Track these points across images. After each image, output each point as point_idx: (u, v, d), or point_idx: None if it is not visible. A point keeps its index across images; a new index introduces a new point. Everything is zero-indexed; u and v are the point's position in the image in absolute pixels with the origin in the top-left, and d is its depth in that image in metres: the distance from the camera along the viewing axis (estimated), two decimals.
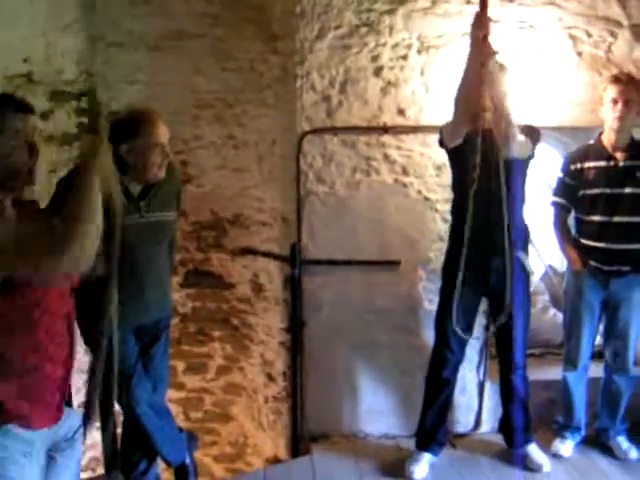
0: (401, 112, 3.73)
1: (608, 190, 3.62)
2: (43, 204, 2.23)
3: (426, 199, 3.78)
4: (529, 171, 3.53)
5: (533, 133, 3.45)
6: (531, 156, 3.48)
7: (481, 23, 3.09)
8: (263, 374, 4.20)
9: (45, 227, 1.98)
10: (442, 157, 3.64)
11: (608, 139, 3.65)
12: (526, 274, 3.58)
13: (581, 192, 3.68)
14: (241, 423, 4.39)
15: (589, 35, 3.83)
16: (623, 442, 3.89)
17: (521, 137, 3.34)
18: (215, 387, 4.36)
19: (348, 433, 4.02)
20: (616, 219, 3.61)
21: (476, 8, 3.07)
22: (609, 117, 3.58)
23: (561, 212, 3.80)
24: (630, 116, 3.56)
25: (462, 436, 4.06)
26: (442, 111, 3.69)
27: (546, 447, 3.83)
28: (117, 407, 3.26)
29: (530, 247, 3.65)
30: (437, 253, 3.75)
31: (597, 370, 3.92)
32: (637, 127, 3.70)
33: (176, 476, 3.50)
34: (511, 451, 3.79)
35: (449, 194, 3.64)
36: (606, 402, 3.91)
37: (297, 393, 3.96)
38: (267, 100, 3.92)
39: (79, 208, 1.96)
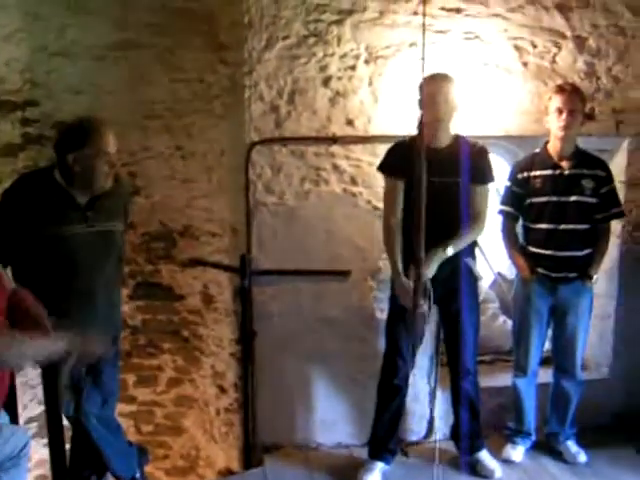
0: (350, 122, 3.74)
1: (554, 198, 3.68)
2: None
3: (375, 208, 3.78)
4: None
5: (487, 165, 3.54)
6: (491, 181, 3.56)
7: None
8: (214, 386, 4.16)
9: None
10: None
11: (554, 148, 3.71)
12: (474, 280, 3.62)
13: (528, 200, 3.74)
14: (193, 435, 4.34)
15: (534, 46, 3.90)
16: (572, 446, 3.95)
17: (480, 192, 3.46)
18: (166, 400, 4.30)
19: (301, 443, 4.00)
20: (563, 227, 3.68)
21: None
22: (554, 126, 3.65)
23: (509, 220, 3.85)
24: (575, 125, 3.64)
25: (414, 444, 4.09)
26: (390, 121, 3.74)
27: (497, 453, 3.88)
28: (66, 422, 3.23)
29: (478, 254, 3.69)
30: (386, 262, 3.72)
31: (546, 376, 3.99)
32: (581, 136, 3.79)
33: None
34: (464, 458, 3.80)
35: None
36: (555, 407, 3.97)
37: (249, 404, 3.93)
38: (216, 111, 3.89)
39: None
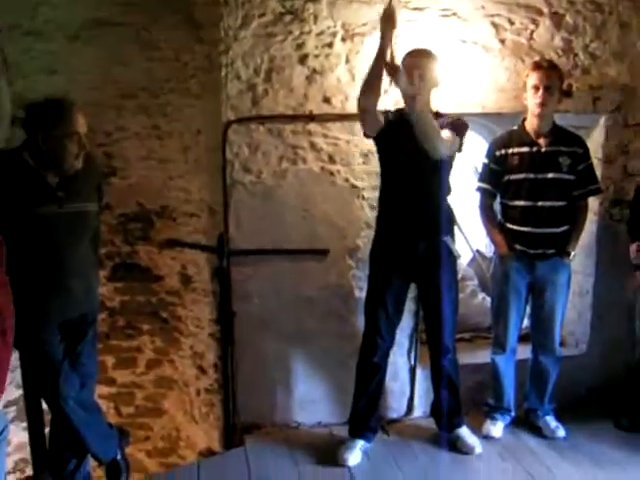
0: (327, 100, 3.72)
1: (532, 175, 3.69)
2: None
3: (353, 187, 3.78)
4: (455, 161, 3.56)
5: (460, 126, 3.47)
6: (458, 150, 3.51)
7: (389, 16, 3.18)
8: (194, 366, 4.15)
9: None
10: (368, 144, 3.67)
11: (531, 125, 3.72)
12: (452, 257, 3.62)
13: (506, 177, 3.75)
14: (173, 417, 4.34)
15: (511, 23, 3.89)
16: (551, 421, 4.00)
17: (446, 134, 3.35)
18: (146, 381, 4.28)
19: (281, 423, 4.01)
20: (540, 204, 3.69)
21: None
22: (532, 103, 3.65)
23: (487, 197, 3.86)
24: (552, 102, 3.64)
25: (395, 422, 4.11)
26: None
27: (477, 429, 3.91)
28: (45, 406, 3.22)
29: (456, 232, 3.69)
30: (365, 240, 3.76)
31: (525, 352, 4.02)
32: (559, 113, 3.79)
33: (107, 473, 3.45)
34: (444, 435, 3.84)
35: (376, 181, 3.66)
36: (534, 383, 4.01)
37: (228, 384, 3.93)
38: (192, 90, 3.84)
39: None
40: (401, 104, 3.46)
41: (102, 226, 3.80)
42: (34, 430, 3.42)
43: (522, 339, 4.00)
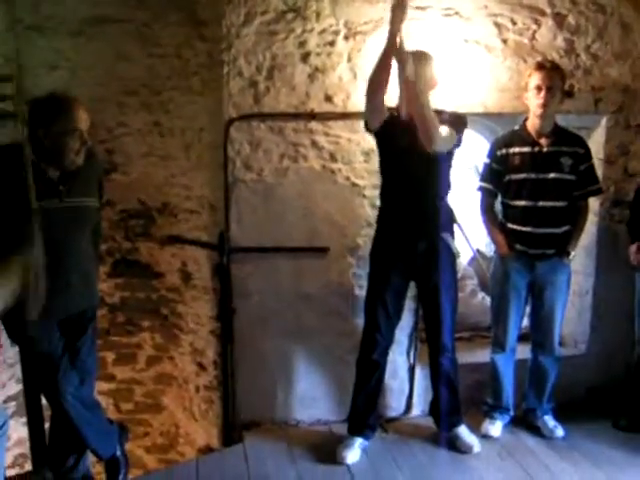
0: (328, 98, 3.72)
1: (533, 175, 3.69)
2: None
3: (354, 185, 3.79)
4: (454, 158, 3.56)
5: (458, 122, 3.47)
6: (457, 145, 3.51)
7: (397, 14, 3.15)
8: (194, 363, 4.16)
9: None
10: (370, 143, 3.67)
11: (532, 125, 3.72)
12: (452, 256, 3.63)
13: (507, 177, 3.75)
14: (172, 413, 4.34)
15: (514, 23, 3.89)
16: (550, 421, 4.00)
17: (445, 130, 3.35)
18: (145, 377, 4.29)
19: (280, 420, 4.02)
20: (541, 204, 3.69)
21: None
22: (534, 103, 3.65)
23: (488, 197, 3.87)
24: (554, 103, 3.64)
25: (394, 420, 4.11)
26: None
27: (476, 428, 3.92)
28: (45, 401, 3.22)
29: (456, 230, 3.69)
30: (366, 239, 3.77)
31: (524, 352, 4.02)
32: (560, 113, 3.80)
33: (107, 469, 3.45)
34: (442, 434, 3.84)
35: (377, 180, 3.66)
36: (533, 383, 4.01)
37: (228, 381, 3.94)
38: (194, 87, 3.84)
39: None
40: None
41: (103, 222, 3.80)
42: (34, 425, 3.42)
43: (521, 339, 4.00)
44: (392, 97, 3.45)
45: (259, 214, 3.78)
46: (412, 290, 3.74)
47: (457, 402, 3.80)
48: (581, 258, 4.16)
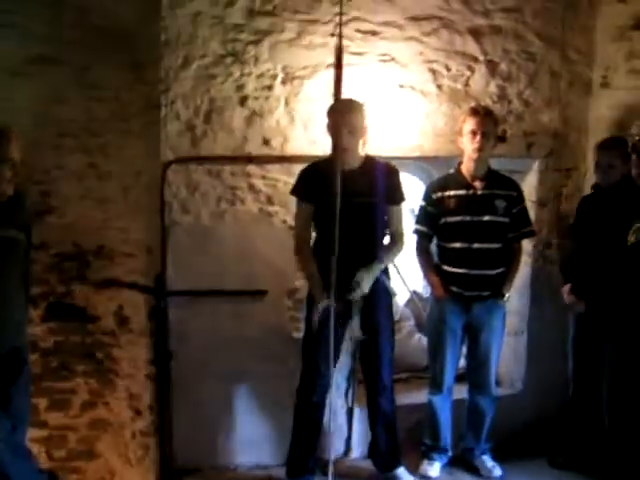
0: (266, 142, 3.74)
1: (468, 218, 3.77)
2: None
3: (291, 228, 3.77)
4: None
5: (397, 184, 3.59)
6: (402, 200, 3.61)
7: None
8: (130, 408, 4.06)
9: None
10: None
11: (467, 169, 3.80)
12: (389, 298, 3.66)
13: (442, 220, 3.82)
14: (107, 460, 4.22)
15: (448, 69, 4.00)
16: (487, 461, 4.03)
17: (395, 219, 3.55)
18: (79, 424, 4.16)
19: (219, 465, 3.95)
20: (476, 246, 3.76)
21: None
22: (468, 148, 3.74)
23: (423, 239, 3.92)
24: (488, 147, 3.74)
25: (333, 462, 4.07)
26: (307, 141, 3.76)
27: (414, 469, 3.92)
28: None
29: (393, 272, 3.73)
30: (303, 282, 3.76)
31: (461, 392, 4.05)
32: (494, 157, 3.89)
33: None
34: (382, 475, 3.84)
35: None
36: (470, 423, 4.04)
37: (165, 426, 3.87)
38: (132, 129, 3.82)
39: None
40: None
41: (37, 265, 3.73)
42: None
43: (458, 379, 4.03)
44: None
45: (196, 257, 3.75)
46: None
47: (396, 443, 3.80)
48: (515, 299, 4.24)
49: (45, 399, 4.10)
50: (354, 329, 3.48)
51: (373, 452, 3.88)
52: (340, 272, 3.29)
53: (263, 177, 3.77)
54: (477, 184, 3.78)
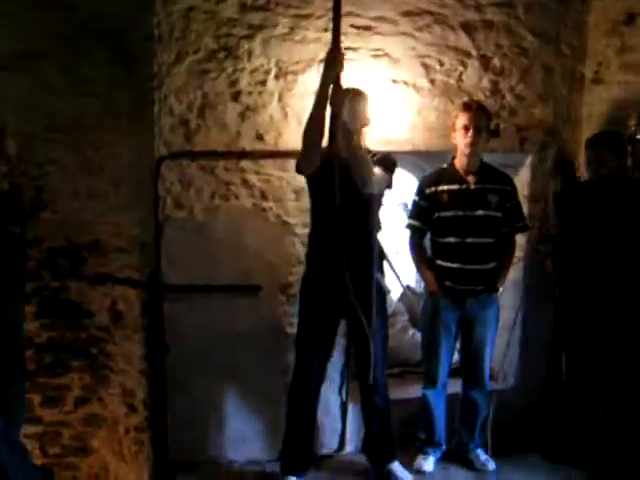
0: (260, 137, 3.75)
1: (461, 212, 3.77)
2: None
3: (285, 223, 3.80)
4: (385, 198, 3.62)
5: (389, 163, 3.53)
6: (388, 186, 3.57)
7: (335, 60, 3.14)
8: (124, 404, 4.06)
9: None
10: (300, 181, 3.69)
11: (460, 163, 3.81)
12: (382, 294, 3.67)
13: (435, 214, 3.82)
14: (102, 456, 4.22)
15: (441, 64, 4.00)
16: (481, 455, 4.05)
17: (377, 171, 3.41)
18: (74, 420, 4.16)
19: (213, 460, 3.96)
20: (469, 240, 3.77)
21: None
22: (461, 143, 3.75)
23: (417, 234, 3.93)
24: (481, 142, 3.75)
25: (327, 458, 4.09)
26: (300, 136, 3.75)
27: (409, 464, 3.92)
28: None
29: (386, 267, 3.73)
30: (297, 277, 3.77)
31: (455, 386, 4.06)
32: (487, 152, 3.90)
33: None
34: (376, 470, 3.84)
35: (308, 218, 3.67)
36: (464, 417, 4.06)
37: (159, 422, 3.87)
38: (124, 125, 3.81)
39: None
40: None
41: (30, 261, 3.73)
42: None
43: (452, 373, 4.04)
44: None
45: (190, 252, 3.75)
46: (342, 327, 3.76)
47: (390, 438, 3.80)
48: (509, 293, 4.26)
49: (39, 395, 4.10)
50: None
51: (367, 447, 3.88)
52: (334, 259, 3.30)
53: (257, 172, 3.77)
54: (470, 179, 3.78)
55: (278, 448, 3.81)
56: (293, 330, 3.75)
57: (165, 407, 3.86)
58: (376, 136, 3.79)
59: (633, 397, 3.82)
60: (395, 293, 4.34)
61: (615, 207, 3.76)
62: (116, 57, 3.79)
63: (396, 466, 3.82)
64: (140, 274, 3.86)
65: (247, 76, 3.71)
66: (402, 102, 3.93)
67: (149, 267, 3.76)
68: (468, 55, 4.03)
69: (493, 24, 4.04)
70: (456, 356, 4.10)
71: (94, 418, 4.18)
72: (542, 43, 4.15)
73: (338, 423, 4.12)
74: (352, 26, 3.79)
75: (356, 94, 3.45)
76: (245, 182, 3.77)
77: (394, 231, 4.21)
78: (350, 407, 4.10)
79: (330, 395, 4.02)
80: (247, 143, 3.74)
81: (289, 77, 3.75)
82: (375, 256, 3.56)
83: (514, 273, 4.19)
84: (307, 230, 3.67)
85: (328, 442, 4.12)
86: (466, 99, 3.93)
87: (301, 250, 3.81)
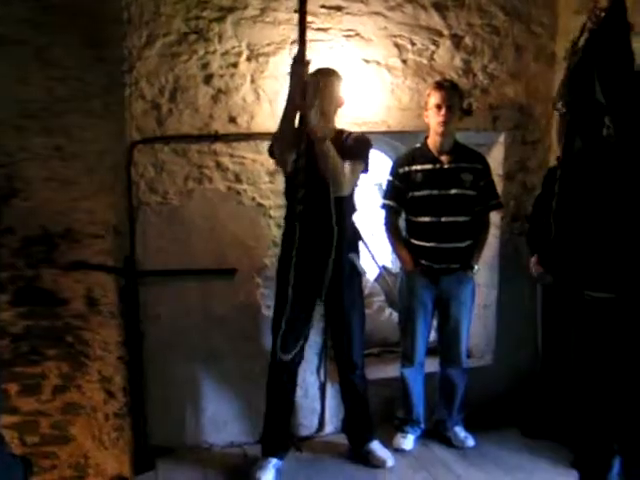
0: (232, 120, 3.73)
1: (435, 192, 3.79)
2: None
3: (260, 205, 3.80)
4: (359, 179, 3.62)
5: (363, 147, 3.54)
6: (364, 171, 3.57)
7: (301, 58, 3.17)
8: (102, 391, 4.03)
9: None
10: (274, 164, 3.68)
11: (433, 143, 3.82)
12: (358, 274, 3.68)
13: (410, 194, 3.83)
14: (81, 443, 4.19)
15: (413, 44, 4.00)
16: (460, 432, 4.09)
17: (349, 168, 3.42)
18: (51, 408, 4.12)
19: (193, 444, 3.97)
20: (444, 219, 3.79)
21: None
22: (434, 121, 3.76)
23: (392, 214, 3.94)
24: (453, 121, 3.77)
25: (307, 439, 4.11)
26: (273, 118, 3.74)
27: (388, 443, 3.96)
28: None
29: (362, 248, 3.74)
30: (272, 259, 3.78)
31: (433, 365, 4.10)
32: (460, 131, 3.91)
33: None
34: (356, 450, 3.88)
35: (282, 200, 3.68)
36: (442, 395, 4.09)
37: (138, 408, 3.87)
38: (95, 110, 3.74)
39: None
40: None
41: (4, 249, 3.69)
42: None
43: (430, 352, 4.07)
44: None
45: (165, 237, 3.74)
46: (320, 309, 3.77)
47: (369, 418, 3.85)
48: (485, 271, 4.29)
49: (16, 384, 4.06)
50: None
51: (347, 427, 3.92)
52: (309, 241, 3.34)
53: (230, 155, 3.75)
54: (444, 158, 3.80)
55: (258, 431, 3.83)
56: (270, 312, 3.75)
57: (144, 393, 3.86)
58: (350, 117, 3.80)
59: (607, 372, 3.86)
60: (371, 274, 4.35)
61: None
62: (86, 41, 3.72)
63: (375, 445, 3.85)
64: (115, 260, 3.82)
65: (219, 59, 3.69)
66: (375, 82, 3.93)
67: (124, 253, 3.74)
68: (440, 34, 4.04)
69: (464, 3, 4.04)
70: (434, 335, 4.12)
71: (72, 406, 4.14)
72: (513, 22, 4.15)
73: (317, 404, 4.14)
74: (323, 6, 3.78)
75: (329, 74, 3.45)
76: (219, 165, 3.75)
77: (369, 212, 4.21)
78: (328, 388, 4.11)
79: (308, 376, 4.04)
80: (220, 126, 3.72)
81: (261, 59, 3.73)
82: (349, 236, 3.57)
83: (490, 251, 4.23)
84: (282, 212, 3.67)
85: (308, 423, 4.13)
86: (438, 78, 3.93)
87: (276, 232, 3.81)
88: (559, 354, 3.97)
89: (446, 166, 3.79)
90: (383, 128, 4.00)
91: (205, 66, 3.68)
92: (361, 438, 3.85)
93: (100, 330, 3.97)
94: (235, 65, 3.71)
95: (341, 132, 3.55)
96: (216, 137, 3.72)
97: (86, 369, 4.07)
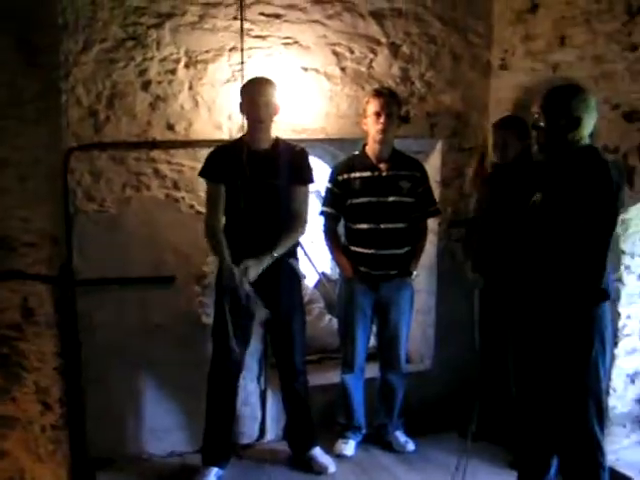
0: (170, 127, 3.71)
1: (374, 199, 3.83)
2: None
3: (198, 213, 3.76)
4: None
5: (306, 166, 3.60)
6: (309, 182, 3.62)
7: None
8: (38, 402, 3.95)
9: None
10: None
11: (372, 150, 3.86)
12: (298, 280, 3.70)
13: (349, 201, 3.86)
14: (16, 458, 4.09)
15: (352, 52, 4.03)
16: (401, 436, 4.12)
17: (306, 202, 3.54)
18: None
19: (133, 455, 3.91)
20: (382, 226, 3.83)
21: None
22: (372, 129, 3.79)
23: (330, 221, 3.97)
24: (391, 128, 3.81)
25: (248, 447, 4.09)
26: (211, 125, 3.75)
27: (330, 449, 3.97)
28: None
29: (301, 254, 3.75)
30: (211, 267, 3.75)
31: (373, 370, 4.13)
32: (398, 138, 3.95)
33: None
34: (297, 457, 3.88)
35: None
36: (382, 400, 4.12)
37: (76, 419, 3.80)
38: (29, 116, 3.67)
39: None
40: None
41: None
42: None
43: (370, 358, 4.11)
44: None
45: (103, 245, 3.68)
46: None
47: (311, 424, 3.85)
48: (423, 277, 4.34)
49: None
50: (260, 313, 3.47)
51: (288, 434, 3.93)
52: (247, 247, 3.37)
53: (168, 162, 3.73)
54: (382, 166, 3.84)
55: (198, 439, 3.80)
56: (209, 320, 3.74)
57: (82, 404, 3.79)
58: (289, 124, 3.81)
59: (542, 376, 3.94)
60: (311, 280, 4.37)
61: (522, 189, 3.85)
62: (21, 45, 3.66)
63: (317, 451, 3.86)
64: (52, 269, 3.74)
65: (157, 65, 3.66)
66: (313, 90, 3.95)
67: (61, 261, 3.67)
68: (378, 43, 4.08)
69: (401, 12, 4.09)
70: (373, 340, 4.15)
71: (7, 419, 4.05)
72: (450, 31, 4.22)
73: (258, 411, 4.12)
74: (262, 14, 3.79)
75: (262, 83, 3.46)
76: (157, 172, 3.72)
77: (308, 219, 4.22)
78: (269, 395, 4.11)
79: (249, 384, 4.02)
80: (158, 133, 3.70)
81: (199, 66, 3.72)
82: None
83: (428, 257, 4.28)
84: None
85: (248, 431, 4.11)
86: (377, 86, 3.97)
87: None
88: (497, 357, 4.03)
89: (384, 174, 3.83)
90: (321, 135, 4.02)
91: (143, 72, 3.65)
92: (303, 445, 3.86)
93: (36, 341, 3.88)
94: (173, 72, 3.69)
95: (279, 141, 3.56)
96: (154, 144, 3.68)
97: (22, 381, 3.98)
